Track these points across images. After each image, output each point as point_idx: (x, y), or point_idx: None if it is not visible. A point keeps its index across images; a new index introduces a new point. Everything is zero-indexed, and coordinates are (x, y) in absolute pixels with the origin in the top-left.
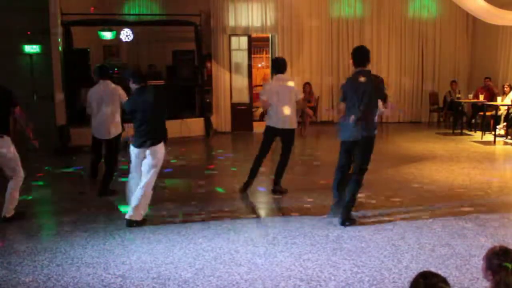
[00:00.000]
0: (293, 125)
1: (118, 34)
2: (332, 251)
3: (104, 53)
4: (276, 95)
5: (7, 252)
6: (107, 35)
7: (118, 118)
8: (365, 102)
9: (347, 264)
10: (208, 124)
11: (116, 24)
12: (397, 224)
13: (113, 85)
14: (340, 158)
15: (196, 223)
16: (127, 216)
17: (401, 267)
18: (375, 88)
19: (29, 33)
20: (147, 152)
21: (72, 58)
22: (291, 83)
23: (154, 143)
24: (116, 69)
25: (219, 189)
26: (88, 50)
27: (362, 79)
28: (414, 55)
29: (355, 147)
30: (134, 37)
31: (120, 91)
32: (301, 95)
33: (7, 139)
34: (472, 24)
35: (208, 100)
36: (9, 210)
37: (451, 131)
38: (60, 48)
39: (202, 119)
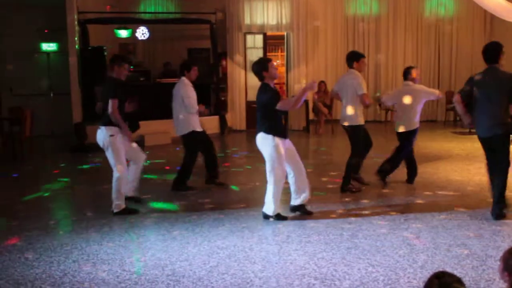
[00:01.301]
0: (352, 121)
1: (134, 32)
2: (347, 250)
3: (120, 51)
4: (341, 90)
5: (25, 248)
6: (123, 33)
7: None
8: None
9: (361, 263)
10: (223, 122)
11: (132, 22)
12: (413, 224)
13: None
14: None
15: (211, 221)
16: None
17: (416, 267)
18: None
19: (46, 31)
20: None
21: (88, 56)
22: (351, 77)
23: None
24: (132, 67)
25: (234, 187)
26: (105, 48)
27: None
28: (431, 53)
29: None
30: (150, 35)
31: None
32: (361, 91)
33: (103, 129)
34: (490, 22)
35: (223, 98)
36: (116, 205)
37: (467, 130)
38: (76, 46)
39: (217, 117)
